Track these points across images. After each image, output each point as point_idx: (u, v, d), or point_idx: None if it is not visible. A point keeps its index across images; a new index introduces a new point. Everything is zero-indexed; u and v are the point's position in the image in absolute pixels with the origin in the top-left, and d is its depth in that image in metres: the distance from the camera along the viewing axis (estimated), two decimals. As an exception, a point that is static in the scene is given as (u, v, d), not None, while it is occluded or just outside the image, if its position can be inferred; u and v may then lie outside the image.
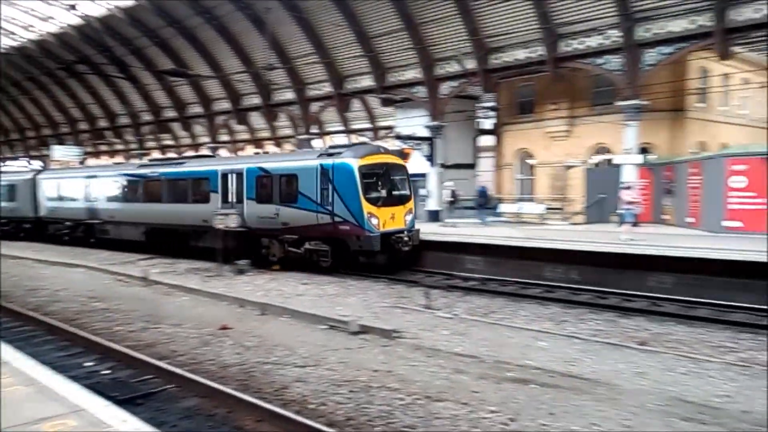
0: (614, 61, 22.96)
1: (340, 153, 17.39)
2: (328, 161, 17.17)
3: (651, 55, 22.04)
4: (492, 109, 28.01)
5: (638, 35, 22.13)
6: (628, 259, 14.76)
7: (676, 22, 21.38)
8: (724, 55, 21.12)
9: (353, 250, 17.03)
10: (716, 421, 6.50)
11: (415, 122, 29.78)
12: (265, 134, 45.22)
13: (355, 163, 16.71)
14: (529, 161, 30.91)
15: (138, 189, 23.65)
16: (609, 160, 26.08)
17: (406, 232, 17.53)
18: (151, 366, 8.54)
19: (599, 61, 23.48)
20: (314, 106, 35.08)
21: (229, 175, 19.70)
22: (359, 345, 9.98)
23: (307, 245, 17.73)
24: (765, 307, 12.01)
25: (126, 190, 24.26)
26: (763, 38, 21.98)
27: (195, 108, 42.77)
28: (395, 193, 17.78)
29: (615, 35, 22.70)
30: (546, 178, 29.77)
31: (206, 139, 43.76)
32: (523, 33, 25.29)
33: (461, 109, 29.22)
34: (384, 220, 16.88)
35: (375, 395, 7.44)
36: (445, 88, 28.62)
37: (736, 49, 22.21)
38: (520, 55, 25.88)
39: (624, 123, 22.98)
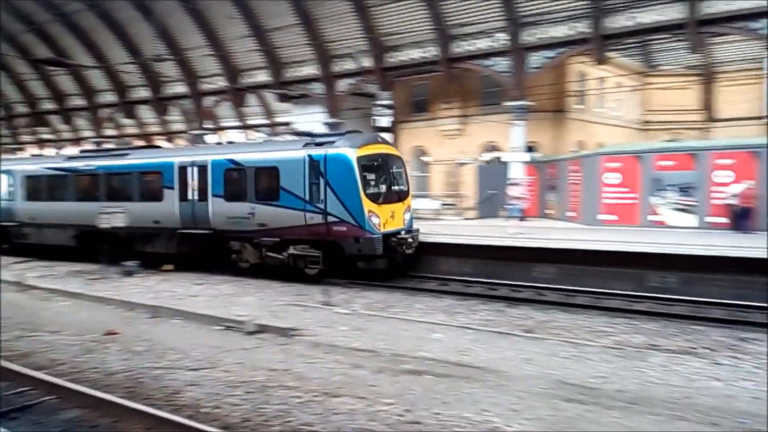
0: (502, 63, 24.03)
1: (332, 142, 15.11)
2: (319, 152, 14.96)
3: (535, 59, 23.28)
4: (388, 107, 28.41)
5: (524, 39, 23.30)
6: (515, 252, 15.56)
7: (557, 28, 22.71)
8: (600, 60, 22.71)
9: (350, 255, 14.92)
10: (594, 400, 6.99)
11: (312, 119, 29.61)
12: (156, 129, 43.22)
13: (352, 154, 14.62)
14: (424, 158, 31.66)
15: (67, 185, 20.43)
16: (498, 158, 27.26)
17: (406, 233, 15.80)
18: (27, 377, 7.92)
19: (488, 62, 24.49)
20: (208, 101, 33.97)
21: (189, 169, 17.18)
22: (256, 345, 9.81)
23: (291, 249, 15.46)
24: (633, 293, 13.17)
25: (51, 186, 20.91)
26: (635, 44, 23.88)
27: (77, 100, 40.04)
28: (395, 188, 15.98)
29: (503, 38, 23.75)
30: (440, 175, 30.62)
31: (89, 133, 41.14)
32: (417, 33, 25.85)
33: (358, 107, 29.41)
34: (385, 219, 15.03)
35: (272, 395, 7.35)
36: (342, 85, 28.70)
37: (611, 54, 23.99)
38: (415, 54, 26.46)
39: (511, 122, 24.11)
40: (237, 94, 32.70)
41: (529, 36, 23.24)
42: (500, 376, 7.92)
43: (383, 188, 15.49)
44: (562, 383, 7.62)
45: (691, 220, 18.27)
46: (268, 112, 40.36)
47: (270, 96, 34.79)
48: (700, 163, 18.19)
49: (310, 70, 29.30)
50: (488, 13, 23.89)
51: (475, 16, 24.22)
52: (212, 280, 15.93)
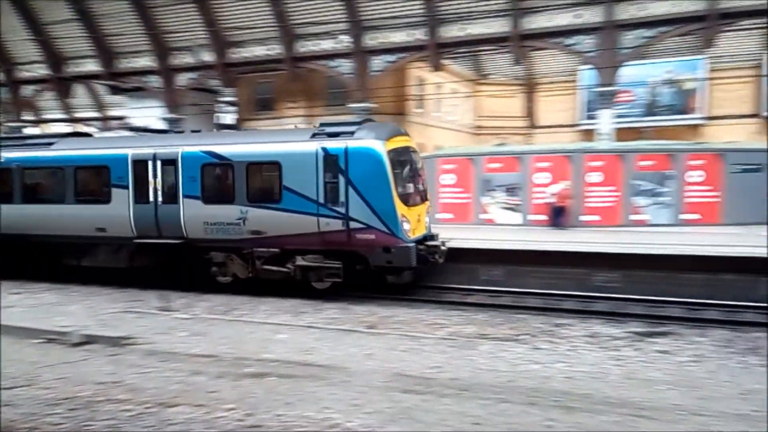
0: (346, 65, 24.47)
1: (351, 133, 12.88)
2: (336, 144, 12.71)
3: (377, 62, 24.02)
4: (232, 104, 27.62)
5: (366, 43, 23.94)
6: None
7: (397, 34, 23.63)
8: (436, 67, 24.03)
9: (376, 267, 12.99)
10: (429, 390, 7.39)
11: (149, 113, 27.89)
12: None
13: (381, 148, 12.55)
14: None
15: None
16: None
17: (432, 239, 14.10)
18: None
19: (333, 63, 24.82)
20: (27, 90, 30.62)
21: (151, 163, 14.20)
22: (82, 357, 9.05)
23: (300, 261, 13.30)
24: (467, 286, 14.15)
25: None
26: (467, 54, 25.56)
27: None
28: (419, 187, 14.09)
29: (346, 40, 24.19)
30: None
31: None
32: (261, 30, 25.46)
33: (200, 103, 28.26)
34: (414, 224, 13.22)
35: (99, 410, 6.83)
36: (183, 79, 27.40)
37: (446, 61, 25.46)
38: (259, 51, 26.05)
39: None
40: (62, 84, 29.85)
41: (371, 40, 23.91)
42: (343, 373, 8.08)
43: (410, 188, 13.55)
44: (400, 375, 7.95)
45: (516, 217, 20.00)
46: (100, 105, 37.35)
47: (101, 87, 32.25)
48: (524, 166, 19.97)
49: (146, 61, 27.58)
50: (332, 15, 24.20)
51: (319, 16, 24.42)
52: (32, 288, 14.39)
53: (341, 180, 12.61)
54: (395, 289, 13.71)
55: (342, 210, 12.62)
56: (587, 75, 28.71)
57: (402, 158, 13.32)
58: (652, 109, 33.95)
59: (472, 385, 7.57)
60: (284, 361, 8.64)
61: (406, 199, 12.99)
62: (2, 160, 15.91)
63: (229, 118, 30.23)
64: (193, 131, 17.98)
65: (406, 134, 14.42)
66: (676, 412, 6.48)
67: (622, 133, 24.90)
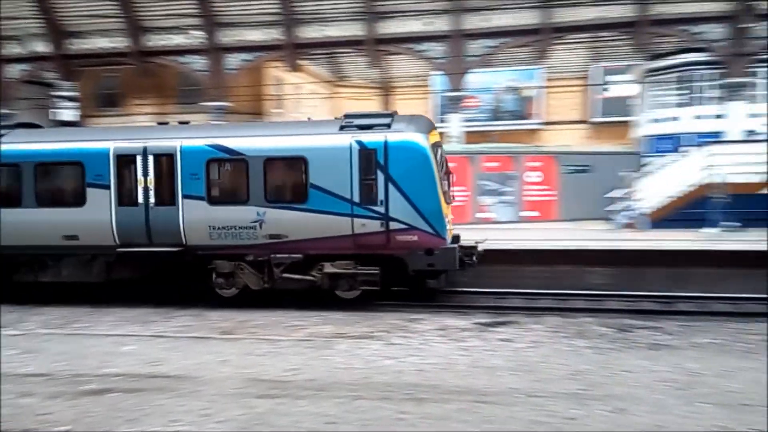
0: (199, 62, 23.56)
1: (386, 125, 12.03)
2: (374, 138, 11.83)
3: (233, 60, 23.40)
4: (71, 99, 25.45)
5: (220, 40, 23.22)
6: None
7: (253, 32, 23.19)
8: (294, 67, 23.92)
9: (415, 270, 12.17)
10: (285, 393, 7.34)
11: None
12: None
13: (425, 142, 11.79)
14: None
15: None
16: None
17: (465, 240, 13.20)
18: None
19: (184, 59, 23.77)
20: None
21: (141, 158, 12.64)
22: None
23: (329, 267, 12.27)
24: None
25: None
26: (324, 55, 25.71)
27: None
28: (450, 185, 13.04)
29: (200, 36, 23.30)
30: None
31: None
32: (103, 21, 23.72)
33: (34, 96, 25.72)
34: (450, 224, 12.44)
35: None
36: (13, 71, 24.78)
37: (304, 62, 25.42)
38: (102, 43, 24.26)
39: (210, 123, 23.84)
40: None
41: (225, 37, 23.23)
42: (194, 382, 7.77)
43: (446, 185, 12.55)
44: (255, 380, 7.81)
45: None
46: None
47: None
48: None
49: (-34, 50, 24.61)
50: (183, 9, 23.18)
51: (169, 9, 23.28)
52: None
53: (380, 176, 11.77)
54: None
55: (381, 209, 11.77)
56: (438, 80, 30.10)
57: (439, 153, 12.44)
58: (496, 114, 36.40)
59: (329, 384, 7.63)
60: (129, 374, 8.13)
61: (446, 197, 12.36)
62: None
63: (67, 114, 27.91)
64: (186, 124, 16.14)
65: (436, 127, 13.50)
66: (514, 395, 7.01)
67: (471, 137, 26.44)
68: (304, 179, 12.08)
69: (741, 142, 21.05)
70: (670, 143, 23.06)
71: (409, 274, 12.25)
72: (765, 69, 22.61)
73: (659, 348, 9.06)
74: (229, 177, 12.93)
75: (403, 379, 7.80)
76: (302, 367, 8.43)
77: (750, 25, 20.48)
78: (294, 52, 23.08)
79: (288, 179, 12.56)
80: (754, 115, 22.27)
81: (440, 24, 22.51)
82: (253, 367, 8.44)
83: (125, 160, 12.74)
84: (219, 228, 12.30)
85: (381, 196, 11.77)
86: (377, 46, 22.83)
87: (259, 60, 23.79)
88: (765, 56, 21.86)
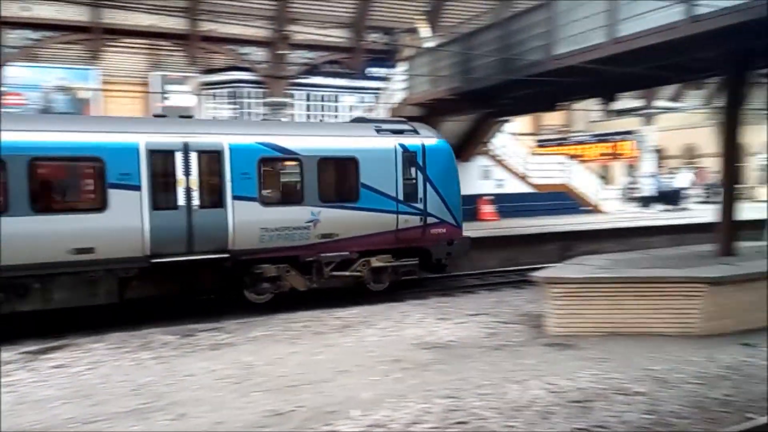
0: None
1: (413, 130, 13.74)
2: (414, 141, 13.49)
3: None
4: None
5: None
6: None
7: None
8: None
9: (437, 260, 13.91)
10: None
11: None
12: None
13: (448, 145, 14.08)
14: None
15: None
16: None
17: None
18: None
19: None
20: None
21: (181, 155, 11.33)
22: None
23: (375, 262, 13.18)
24: None
25: None
26: None
27: None
28: None
29: None
30: None
31: None
32: None
33: None
34: None
35: None
36: None
37: None
38: None
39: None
40: None
41: None
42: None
43: None
44: None
45: None
46: None
47: None
48: None
49: None
50: None
51: None
52: None
53: (419, 176, 13.25)
54: None
55: (420, 206, 13.37)
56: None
57: None
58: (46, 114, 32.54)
59: None
60: None
61: None
62: None
63: None
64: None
65: None
66: (69, 426, 6.44)
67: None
68: (356, 179, 12.87)
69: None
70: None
71: (432, 263, 13.95)
72: (302, 91, 26.44)
73: (220, 347, 9.59)
74: (283, 177, 12.96)
75: None
76: None
77: (286, 52, 23.62)
78: None
79: (341, 179, 13.14)
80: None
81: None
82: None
83: (160, 157, 11.30)
84: (272, 230, 12.12)
85: (420, 194, 13.36)
86: None
87: None
88: (301, 80, 25.56)
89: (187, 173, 11.58)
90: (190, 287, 12.23)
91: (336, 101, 28.90)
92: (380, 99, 22.34)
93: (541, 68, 12.27)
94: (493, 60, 13.72)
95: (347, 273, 13.15)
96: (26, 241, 10.28)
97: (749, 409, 6.67)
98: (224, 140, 11.91)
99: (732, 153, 11.15)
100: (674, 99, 35.49)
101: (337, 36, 25.94)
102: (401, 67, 19.37)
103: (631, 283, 9.53)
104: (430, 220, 13.63)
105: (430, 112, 17.98)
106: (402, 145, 13.43)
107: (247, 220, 11.98)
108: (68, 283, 10.87)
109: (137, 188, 11.09)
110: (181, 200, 11.52)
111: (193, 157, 11.64)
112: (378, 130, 13.60)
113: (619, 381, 7.47)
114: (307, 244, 12.56)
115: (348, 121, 15.04)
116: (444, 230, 13.85)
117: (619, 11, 10.39)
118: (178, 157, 11.52)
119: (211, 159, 11.82)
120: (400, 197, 13.28)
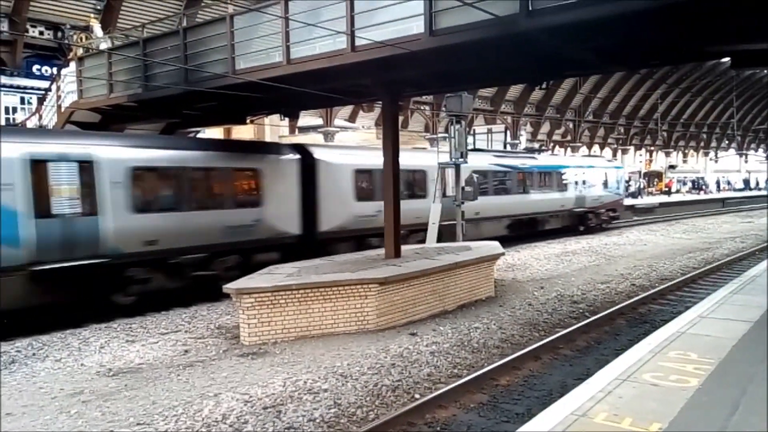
0: None
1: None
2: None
3: None
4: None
5: None
6: None
7: None
8: None
9: None
10: None
11: None
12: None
13: None
14: None
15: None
16: None
17: None
18: None
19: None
20: None
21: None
22: None
23: None
24: None
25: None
26: None
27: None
28: None
29: None
30: None
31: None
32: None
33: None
34: None
35: None
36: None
37: None
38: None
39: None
40: None
41: None
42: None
43: None
44: None
45: None
46: None
47: None
48: None
49: None
50: None
51: None
52: None
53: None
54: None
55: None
56: None
57: None
58: None
59: None
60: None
61: None
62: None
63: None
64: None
65: None
66: None
67: None
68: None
69: None
70: None
71: None
72: None
73: None
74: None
75: None
76: None
77: None
78: None
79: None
80: None
81: None
82: None
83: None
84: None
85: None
86: None
87: None
88: None
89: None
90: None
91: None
92: (47, 100, 19.61)
93: (223, 82, 12.23)
94: (175, 69, 13.15)
95: None
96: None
97: (415, 390, 7.75)
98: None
99: (393, 167, 12.79)
100: (350, 119, 39.05)
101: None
102: (72, 68, 17.30)
103: (316, 288, 10.24)
104: None
105: (107, 118, 16.47)
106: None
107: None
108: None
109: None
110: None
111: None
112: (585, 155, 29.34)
113: (307, 381, 7.94)
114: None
115: None
116: None
117: (292, 34, 10.99)
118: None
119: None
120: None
